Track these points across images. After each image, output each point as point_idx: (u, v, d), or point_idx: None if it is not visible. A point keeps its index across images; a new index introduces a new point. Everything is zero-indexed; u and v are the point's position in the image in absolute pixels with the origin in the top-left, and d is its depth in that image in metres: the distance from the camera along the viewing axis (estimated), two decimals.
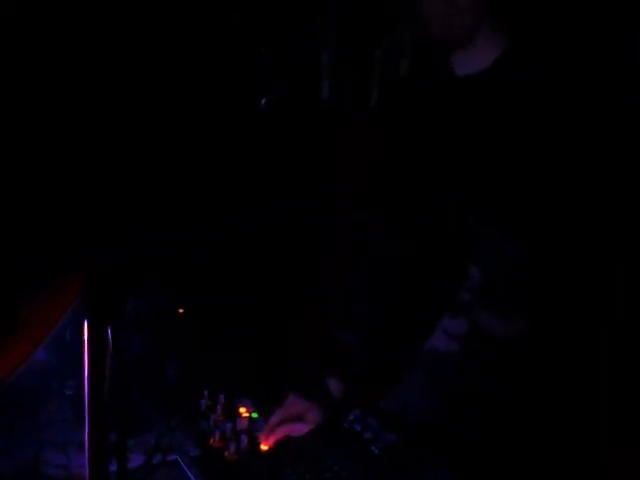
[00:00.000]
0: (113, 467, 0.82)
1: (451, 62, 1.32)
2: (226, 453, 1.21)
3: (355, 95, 1.95)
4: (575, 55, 1.27)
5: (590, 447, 1.26)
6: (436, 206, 1.32)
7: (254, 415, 1.36)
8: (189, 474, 1.14)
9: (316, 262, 2.02)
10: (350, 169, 1.88)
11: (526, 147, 1.21)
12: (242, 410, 1.36)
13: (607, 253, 1.26)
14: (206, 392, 1.38)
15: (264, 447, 1.26)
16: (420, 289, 1.34)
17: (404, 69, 1.83)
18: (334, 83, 1.90)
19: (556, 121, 1.19)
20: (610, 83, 1.25)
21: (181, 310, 1.55)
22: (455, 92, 1.32)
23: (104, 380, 0.71)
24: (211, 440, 1.25)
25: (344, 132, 1.92)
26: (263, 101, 1.86)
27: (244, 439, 1.24)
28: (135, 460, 1.22)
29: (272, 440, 1.26)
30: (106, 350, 0.70)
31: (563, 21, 1.36)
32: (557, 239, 1.19)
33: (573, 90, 1.21)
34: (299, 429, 1.27)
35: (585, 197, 1.20)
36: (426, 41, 1.30)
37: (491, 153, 1.25)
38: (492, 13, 1.26)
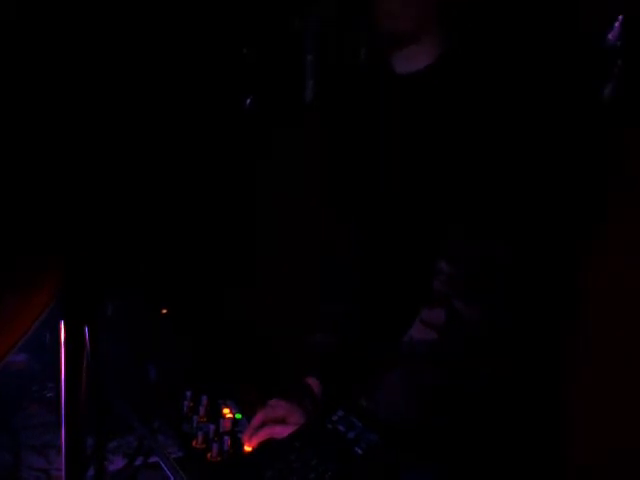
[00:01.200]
0: (92, 471, 0.81)
1: (393, 59, 1.32)
2: (209, 455, 1.20)
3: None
4: (519, 55, 1.28)
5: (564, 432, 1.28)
6: (397, 204, 1.33)
7: (237, 416, 1.35)
8: (171, 476, 1.13)
9: (292, 263, 2.02)
10: (311, 167, 1.90)
11: (468, 144, 1.21)
12: (225, 411, 1.35)
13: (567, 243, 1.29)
14: (188, 393, 1.37)
15: (247, 448, 1.25)
16: (393, 284, 1.35)
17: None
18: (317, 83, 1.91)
19: (497, 119, 1.20)
20: (554, 78, 1.27)
21: (164, 310, 1.54)
22: (395, 90, 1.32)
23: (81, 382, 0.70)
24: (194, 442, 1.24)
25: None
26: (247, 101, 1.85)
27: (227, 441, 1.23)
28: (116, 463, 1.21)
29: (255, 441, 1.25)
30: (83, 351, 0.69)
31: (507, 19, 1.38)
32: (513, 230, 1.20)
33: (516, 88, 1.23)
34: (282, 430, 1.26)
35: (538, 191, 1.21)
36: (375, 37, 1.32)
37: (433, 150, 1.25)
38: (439, 10, 1.27)
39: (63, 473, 0.70)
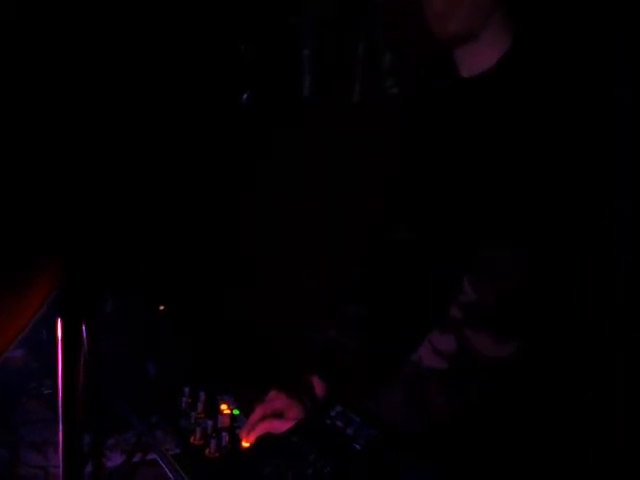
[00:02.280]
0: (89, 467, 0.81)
1: (456, 62, 1.29)
2: (207, 451, 1.20)
3: (337, 91, 1.94)
4: (580, 54, 1.24)
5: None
6: (437, 215, 1.30)
7: (235, 412, 1.34)
8: (169, 473, 1.13)
9: (303, 261, 2.02)
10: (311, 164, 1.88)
11: (534, 156, 1.15)
12: (223, 407, 1.35)
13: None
14: (186, 389, 1.37)
15: (245, 444, 1.25)
16: (413, 296, 1.33)
17: (386, 64, 1.82)
18: (315, 79, 1.90)
19: (563, 123, 1.15)
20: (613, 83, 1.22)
21: (162, 307, 1.53)
22: (460, 94, 1.28)
23: (78, 379, 0.69)
24: (192, 438, 1.24)
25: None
26: (244, 96, 1.85)
27: (225, 436, 1.23)
28: (114, 459, 1.21)
29: (253, 437, 1.25)
30: (80, 349, 0.68)
31: (568, 18, 1.33)
32: (561, 263, 1.15)
33: (578, 91, 1.18)
34: (280, 426, 1.26)
35: (593, 210, 1.17)
36: (428, 41, 1.27)
37: (496, 162, 1.19)
38: (500, 9, 1.22)
39: (61, 470, 0.70)
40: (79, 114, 0.78)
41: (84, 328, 0.67)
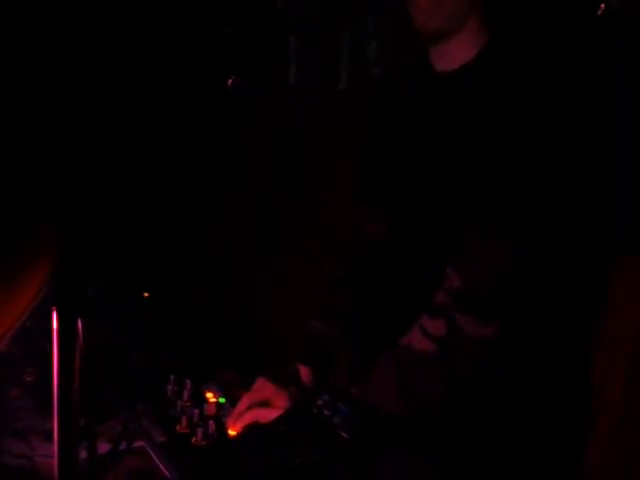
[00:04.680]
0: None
1: (432, 57, 1.31)
2: (193, 439, 1.20)
3: (323, 78, 1.93)
4: (557, 50, 1.25)
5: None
6: (419, 204, 1.31)
7: (221, 400, 1.34)
8: (157, 461, 1.13)
9: (291, 250, 2.01)
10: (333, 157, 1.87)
11: (513, 148, 1.17)
12: (209, 395, 1.35)
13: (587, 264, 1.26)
14: (172, 377, 1.36)
15: (232, 432, 1.25)
16: (399, 285, 1.33)
17: (372, 53, 1.81)
18: (302, 66, 1.88)
19: (541, 117, 1.17)
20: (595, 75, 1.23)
21: (146, 294, 1.52)
22: (436, 87, 1.30)
23: (75, 371, 0.69)
24: (178, 427, 1.24)
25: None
26: (230, 81, 1.83)
27: (212, 425, 1.23)
28: (100, 447, 1.20)
29: (240, 425, 1.25)
30: (76, 339, 0.68)
31: (543, 15, 1.35)
32: (545, 252, 1.17)
33: (556, 86, 1.20)
34: (267, 414, 1.26)
35: (575, 202, 1.17)
36: (406, 32, 1.28)
37: (474, 155, 1.21)
38: (478, 8, 1.24)
39: (56, 461, 0.69)
40: (72, 102, 0.77)
41: (79, 321, 0.66)
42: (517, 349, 1.22)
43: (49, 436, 1.15)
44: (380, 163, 1.41)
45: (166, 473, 1.09)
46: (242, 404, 1.28)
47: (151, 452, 1.15)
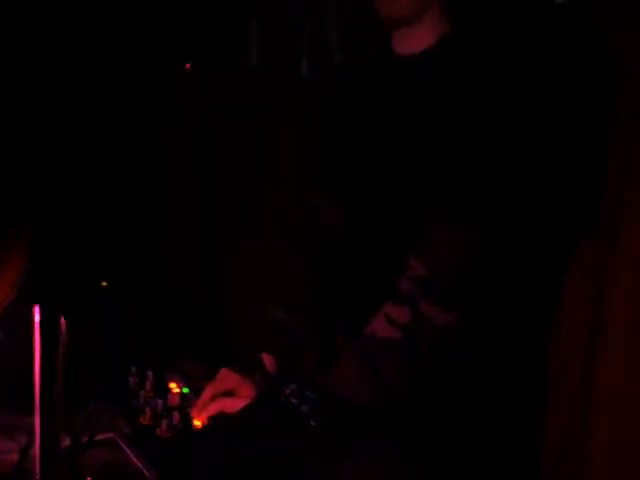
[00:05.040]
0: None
1: (394, 41, 1.31)
2: (158, 430, 1.18)
3: (285, 63, 1.91)
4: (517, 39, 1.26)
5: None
6: (379, 193, 1.30)
7: (185, 390, 1.32)
8: (128, 452, 1.10)
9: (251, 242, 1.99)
10: (288, 147, 1.85)
11: (474, 135, 1.17)
12: (172, 386, 1.33)
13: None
14: (133, 369, 1.34)
15: (197, 423, 1.23)
16: (361, 274, 1.33)
17: (335, 39, 1.80)
18: (263, 50, 1.86)
19: (501, 103, 1.16)
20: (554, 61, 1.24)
21: (104, 283, 1.48)
22: (395, 72, 1.30)
23: (57, 369, 0.66)
24: (141, 418, 1.22)
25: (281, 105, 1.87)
26: (188, 65, 1.78)
27: (176, 415, 1.21)
28: (62, 441, 1.17)
29: (205, 416, 1.24)
30: (59, 334, 0.65)
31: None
32: (507, 240, 1.16)
33: (515, 73, 1.19)
34: (233, 404, 1.25)
35: (536, 190, 1.16)
36: (370, 18, 1.27)
37: (433, 142, 1.21)
38: None
39: (37, 456, 0.67)
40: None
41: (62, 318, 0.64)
42: (478, 336, 1.23)
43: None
44: (339, 149, 1.41)
45: (137, 464, 1.07)
46: (206, 394, 1.27)
47: (117, 445, 1.13)
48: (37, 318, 0.64)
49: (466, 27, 1.26)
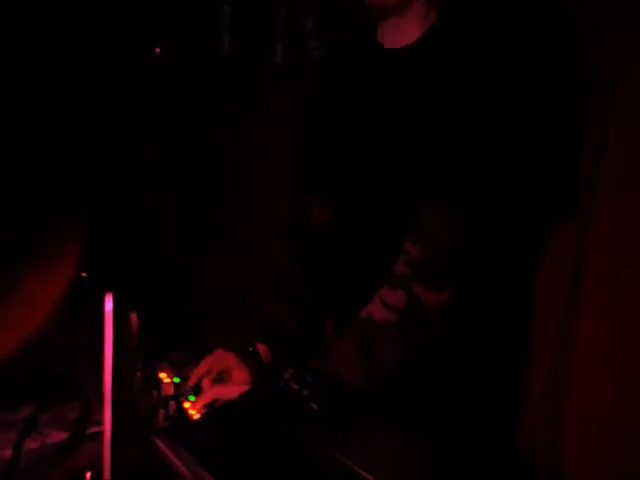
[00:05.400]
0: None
1: (381, 33, 1.31)
2: (155, 421, 1.16)
3: (258, 49, 1.89)
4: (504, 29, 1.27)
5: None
6: (371, 181, 1.32)
7: (176, 380, 1.31)
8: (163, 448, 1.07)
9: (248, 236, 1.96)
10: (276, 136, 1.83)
11: (464, 125, 1.20)
12: (163, 376, 1.31)
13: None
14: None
15: (192, 412, 1.22)
16: (356, 261, 1.35)
17: (309, 27, 1.80)
18: (235, 35, 1.83)
19: (490, 92, 1.20)
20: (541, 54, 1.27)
21: (84, 274, 1.44)
22: (386, 64, 1.30)
23: (128, 355, 0.65)
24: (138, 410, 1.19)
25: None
26: (157, 50, 1.74)
27: (172, 405, 1.19)
28: (52, 436, 1.14)
29: (200, 405, 1.22)
30: (129, 322, 0.64)
31: None
32: (495, 221, 1.21)
33: (501, 65, 1.22)
34: (228, 392, 1.24)
35: (522, 175, 1.21)
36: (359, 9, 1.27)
37: (425, 131, 1.23)
38: None
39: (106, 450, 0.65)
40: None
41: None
42: (467, 313, 1.27)
43: None
44: (325, 144, 1.41)
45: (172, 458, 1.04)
46: (202, 367, 1.27)
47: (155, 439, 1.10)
48: (109, 307, 0.63)
49: (452, 18, 1.28)
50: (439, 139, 1.24)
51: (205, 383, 1.26)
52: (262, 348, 1.37)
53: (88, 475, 0.94)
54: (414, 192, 1.25)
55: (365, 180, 1.33)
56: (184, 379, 1.30)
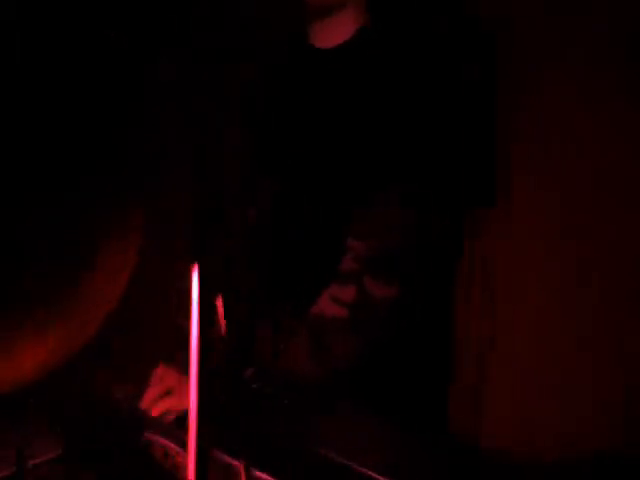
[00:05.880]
0: None
1: (312, 32, 1.33)
2: None
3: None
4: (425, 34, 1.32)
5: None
6: (311, 180, 1.33)
7: None
8: None
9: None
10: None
11: (401, 121, 1.23)
12: None
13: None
14: None
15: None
16: (302, 260, 1.35)
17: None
18: None
19: (418, 93, 1.24)
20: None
21: None
22: (318, 64, 1.33)
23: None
24: None
25: None
26: (112, 35, 1.63)
27: None
28: None
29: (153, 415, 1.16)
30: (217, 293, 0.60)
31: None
32: (436, 214, 1.26)
33: (419, 71, 1.26)
34: (177, 403, 1.19)
35: (456, 168, 1.27)
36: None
37: (351, 129, 1.26)
38: None
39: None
40: None
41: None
42: (411, 305, 1.31)
43: None
44: (263, 143, 1.41)
45: None
46: (147, 397, 1.19)
47: None
48: (195, 277, 0.59)
49: (381, 19, 1.32)
50: (369, 137, 1.26)
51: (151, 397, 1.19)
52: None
53: None
54: (354, 189, 1.28)
55: (305, 179, 1.35)
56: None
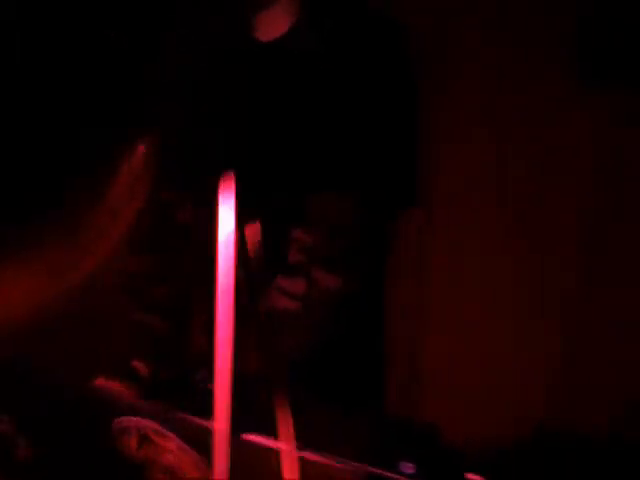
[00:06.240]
0: None
1: (254, 24, 1.32)
2: None
3: None
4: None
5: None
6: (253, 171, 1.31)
7: None
8: None
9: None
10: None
11: (343, 114, 1.26)
12: None
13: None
14: None
15: None
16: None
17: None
18: None
19: (359, 87, 1.27)
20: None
21: None
22: (257, 56, 1.33)
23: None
24: None
25: None
26: (112, 35, 1.51)
27: None
28: None
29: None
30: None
31: None
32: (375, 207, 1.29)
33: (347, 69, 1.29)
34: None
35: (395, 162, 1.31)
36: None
37: (307, 120, 1.27)
38: None
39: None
40: None
41: None
42: (357, 296, 1.33)
43: None
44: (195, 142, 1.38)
45: None
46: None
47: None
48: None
49: (310, 18, 1.33)
50: (311, 130, 1.28)
51: None
52: (139, 365, 1.27)
53: None
54: (299, 181, 1.28)
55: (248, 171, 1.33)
56: None
